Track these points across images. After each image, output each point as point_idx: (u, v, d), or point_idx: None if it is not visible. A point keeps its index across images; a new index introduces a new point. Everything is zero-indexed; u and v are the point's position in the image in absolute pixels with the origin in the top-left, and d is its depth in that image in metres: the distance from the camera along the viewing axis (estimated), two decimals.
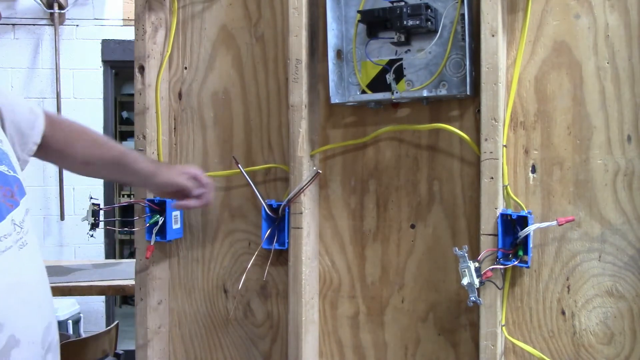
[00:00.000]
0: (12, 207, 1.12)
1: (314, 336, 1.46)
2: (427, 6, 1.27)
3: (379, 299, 1.43)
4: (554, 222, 1.19)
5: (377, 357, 1.44)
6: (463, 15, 1.26)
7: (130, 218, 1.61)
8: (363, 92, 1.37)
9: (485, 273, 1.20)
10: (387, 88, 1.34)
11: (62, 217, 4.66)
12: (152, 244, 1.55)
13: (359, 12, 1.34)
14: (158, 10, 1.59)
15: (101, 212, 1.53)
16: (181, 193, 1.42)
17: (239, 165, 1.47)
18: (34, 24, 4.66)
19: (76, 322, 4.39)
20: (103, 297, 4.80)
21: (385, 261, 1.42)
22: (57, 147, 1.34)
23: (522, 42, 1.27)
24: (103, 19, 4.82)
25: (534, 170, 1.28)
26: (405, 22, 1.27)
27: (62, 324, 4.11)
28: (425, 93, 1.31)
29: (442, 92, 1.30)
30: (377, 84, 1.36)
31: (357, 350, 1.46)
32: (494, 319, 1.23)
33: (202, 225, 1.60)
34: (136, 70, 1.58)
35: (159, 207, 1.56)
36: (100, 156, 1.38)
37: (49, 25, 4.65)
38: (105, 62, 4.82)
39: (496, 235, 1.23)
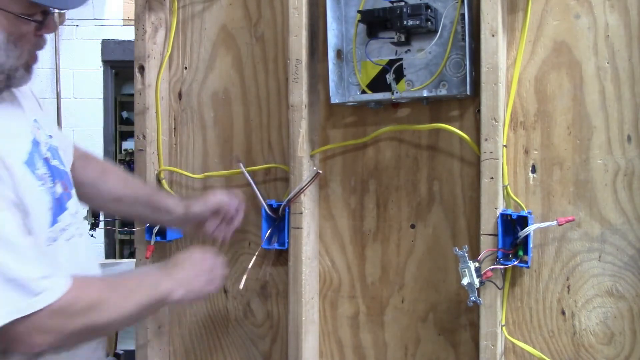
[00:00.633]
0: (67, 199, 1.18)
1: (314, 336, 1.46)
2: (427, 6, 1.27)
3: (379, 299, 1.43)
4: (554, 222, 1.20)
5: (377, 357, 1.44)
6: (463, 15, 1.26)
7: None
8: (363, 92, 1.37)
9: (485, 273, 1.20)
10: (387, 88, 1.34)
11: None
12: (152, 244, 1.56)
13: (359, 12, 1.34)
14: (158, 10, 1.59)
15: (101, 212, 1.53)
16: (204, 224, 1.41)
17: (241, 164, 1.47)
18: None
19: None
20: None
21: (385, 261, 1.42)
22: (89, 181, 1.36)
23: (522, 42, 1.27)
24: (103, 19, 4.83)
25: (534, 170, 1.28)
26: (405, 22, 1.27)
27: None
28: (425, 93, 1.31)
29: (442, 92, 1.30)
30: (377, 84, 1.36)
31: (357, 350, 1.46)
32: (494, 319, 1.23)
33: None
34: (136, 70, 1.59)
35: None
36: (132, 193, 1.39)
37: None
38: (105, 62, 4.82)
39: (496, 235, 1.23)
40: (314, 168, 1.42)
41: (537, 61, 1.28)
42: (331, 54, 1.36)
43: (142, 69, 1.58)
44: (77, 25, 4.76)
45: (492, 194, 1.24)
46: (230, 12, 1.56)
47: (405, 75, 1.34)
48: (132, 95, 1.64)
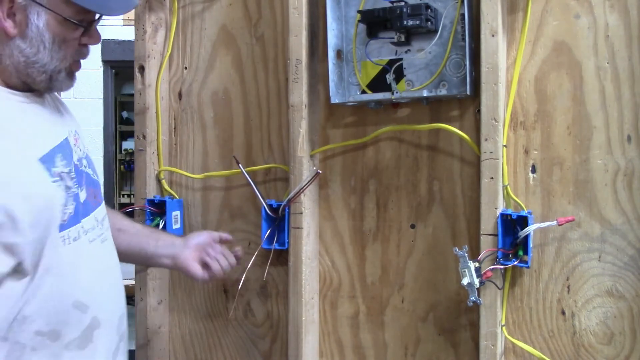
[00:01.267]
0: (95, 206, 1.21)
1: (314, 336, 1.46)
2: (427, 6, 1.27)
3: (379, 299, 1.43)
4: (554, 222, 1.20)
5: (377, 357, 1.44)
6: (463, 15, 1.26)
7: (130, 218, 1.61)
8: (363, 92, 1.37)
9: (485, 273, 1.20)
10: (387, 88, 1.34)
11: None
12: None
13: (359, 12, 1.34)
14: (158, 10, 1.60)
15: None
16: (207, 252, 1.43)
17: (240, 164, 1.47)
18: None
19: None
20: None
21: (385, 261, 1.42)
22: None
23: (522, 42, 1.27)
24: (103, 19, 4.82)
25: (534, 170, 1.28)
26: (405, 22, 1.26)
27: None
28: (425, 93, 1.31)
29: (442, 92, 1.30)
30: (377, 84, 1.36)
31: (357, 350, 1.46)
32: (494, 319, 1.23)
33: (202, 226, 1.60)
34: (136, 70, 1.59)
35: (159, 209, 1.56)
36: (131, 223, 1.44)
37: None
38: (105, 62, 4.82)
39: (496, 235, 1.23)
40: (314, 168, 1.42)
41: (537, 61, 1.28)
42: (331, 54, 1.37)
43: (142, 69, 1.58)
44: None
45: (492, 194, 1.24)
46: (230, 12, 1.56)
47: (405, 75, 1.34)
48: (132, 95, 1.64)
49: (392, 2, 1.29)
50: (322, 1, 1.40)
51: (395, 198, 1.41)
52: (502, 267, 1.23)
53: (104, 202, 1.29)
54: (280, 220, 1.45)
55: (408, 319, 1.41)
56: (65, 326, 1.11)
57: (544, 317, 1.28)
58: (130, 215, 1.59)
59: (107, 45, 4.81)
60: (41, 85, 1.13)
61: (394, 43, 1.33)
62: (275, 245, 1.46)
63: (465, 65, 1.27)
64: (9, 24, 1.06)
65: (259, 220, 1.48)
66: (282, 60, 1.51)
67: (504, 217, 1.23)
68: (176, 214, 1.57)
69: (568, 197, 1.26)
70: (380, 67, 1.36)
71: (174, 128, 1.63)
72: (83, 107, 4.80)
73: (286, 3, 1.42)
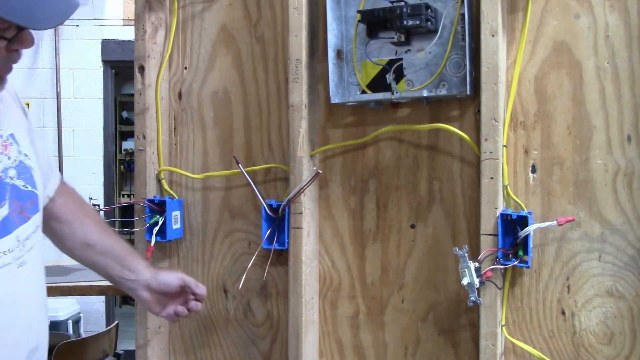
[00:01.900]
0: (19, 223, 1.11)
1: (314, 336, 1.46)
2: (427, 6, 1.27)
3: (379, 299, 1.43)
4: (554, 222, 1.20)
5: (377, 357, 1.44)
6: (463, 15, 1.26)
7: (130, 218, 1.61)
8: (363, 92, 1.37)
9: (485, 273, 1.21)
10: (387, 88, 1.34)
11: None
12: (152, 244, 1.55)
13: (359, 12, 1.34)
14: (158, 10, 1.59)
15: (101, 213, 1.53)
16: (173, 295, 1.37)
17: (240, 164, 1.47)
18: None
19: (76, 322, 4.39)
20: (103, 297, 4.80)
21: (385, 261, 1.42)
22: (66, 218, 1.33)
23: (522, 42, 1.27)
24: (103, 19, 4.83)
25: (534, 170, 1.28)
26: (405, 22, 1.26)
27: (62, 324, 4.12)
28: (425, 93, 1.31)
29: (442, 92, 1.30)
30: (377, 84, 1.36)
31: (357, 350, 1.46)
32: (494, 319, 1.23)
33: (202, 225, 1.60)
34: (136, 70, 1.58)
35: (159, 207, 1.56)
36: (105, 243, 1.35)
37: None
38: (105, 62, 4.82)
39: (496, 235, 1.23)
40: (314, 168, 1.42)
41: (537, 61, 1.28)
42: (331, 54, 1.37)
43: (142, 69, 1.58)
44: (77, 25, 4.76)
45: (492, 194, 1.24)
46: (230, 12, 1.56)
47: (405, 75, 1.34)
48: (132, 95, 1.64)
49: (392, 2, 1.29)
50: (322, 1, 1.40)
51: (395, 198, 1.41)
52: (502, 267, 1.23)
53: (40, 212, 1.19)
54: (280, 220, 1.45)
55: (408, 319, 1.41)
56: None
57: (544, 317, 1.28)
58: (130, 212, 1.59)
59: (107, 45, 4.81)
60: None
61: (394, 43, 1.33)
62: (275, 245, 1.46)
63: (465, 65, 1.27)
64: None
65: (259, 220, 1.47)
66: (282, 60, 1.51)
67: (504, 217, 1.23)
68: (176, 214, 1.57)
69: (568, 197, 1.26)
70: (380, 67, 1.36)
71: (174, 128, 1.63)
72: (83, 107, 4.80)
73: (286, 3, 1.42)
